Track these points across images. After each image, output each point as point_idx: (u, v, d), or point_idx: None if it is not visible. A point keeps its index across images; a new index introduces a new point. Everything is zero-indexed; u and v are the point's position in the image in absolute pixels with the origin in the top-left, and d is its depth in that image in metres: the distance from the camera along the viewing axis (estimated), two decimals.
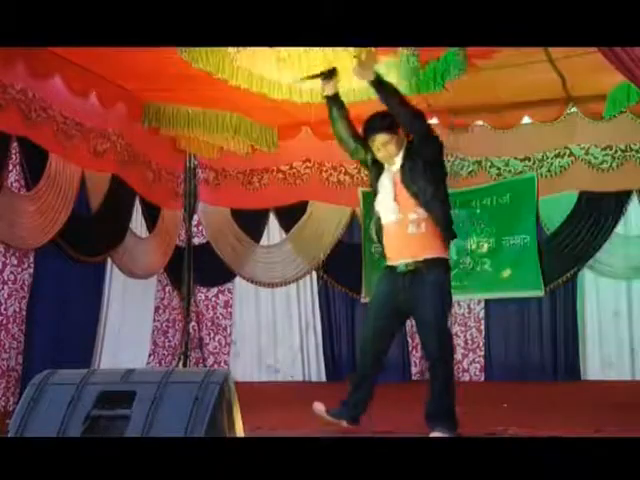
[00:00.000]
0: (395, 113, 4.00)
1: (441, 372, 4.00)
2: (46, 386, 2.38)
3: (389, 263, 4.17)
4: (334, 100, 4.20)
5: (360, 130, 4.20)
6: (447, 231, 4.05)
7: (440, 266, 4.03)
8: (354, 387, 4.24)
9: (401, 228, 4.05)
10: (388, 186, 4.13)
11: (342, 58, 4.85)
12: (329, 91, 4.19)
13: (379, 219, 4.18)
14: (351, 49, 4.76)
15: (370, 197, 7.66)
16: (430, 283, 3.97)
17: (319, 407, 4.23)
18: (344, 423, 4.17)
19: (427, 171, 4.02)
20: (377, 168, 4.20)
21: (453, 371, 4.16)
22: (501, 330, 7.55)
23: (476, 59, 5.43)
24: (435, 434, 3.85)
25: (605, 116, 6.52)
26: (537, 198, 7.30)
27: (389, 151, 4.09)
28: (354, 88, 5.33)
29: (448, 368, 4.06)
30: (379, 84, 4.00)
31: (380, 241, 4.21)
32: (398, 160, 4.10)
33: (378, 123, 4.10)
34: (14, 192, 5.53)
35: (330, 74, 4.18)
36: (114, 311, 6.88)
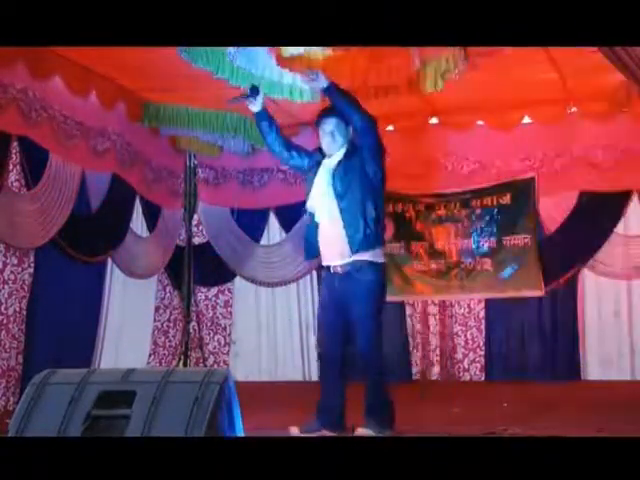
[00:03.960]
0: (348, 117, 4.11)
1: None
2: (46, 386, 2.38)
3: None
4: (261, 116, 4.30)
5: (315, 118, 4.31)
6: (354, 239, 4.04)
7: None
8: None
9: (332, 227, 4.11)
10: (323, 183, 4.17)
11: (344, 57, 4.86)
12: (255, 108, 4.27)
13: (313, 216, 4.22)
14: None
15: None
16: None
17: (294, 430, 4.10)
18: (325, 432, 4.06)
19: (362, 177, 4.08)
20: (315, 169, 4.25)
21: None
22: (501, 330, 7.54)
23: (476, 59, 5.42)
24: (360, 431, 3.91)
25: (605, 116, 6.53)
26: (537, 198, 7.30)
27: (335, 139, 4.16)
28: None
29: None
30: (332, 90, 4.12)
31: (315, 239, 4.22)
32: (338, 154, 4.17)
33: (332, 110, 4.21)
34: (14, 192, 5.53)
35: (254, 92, 4.26)
36: (114, 311, 6.88)
